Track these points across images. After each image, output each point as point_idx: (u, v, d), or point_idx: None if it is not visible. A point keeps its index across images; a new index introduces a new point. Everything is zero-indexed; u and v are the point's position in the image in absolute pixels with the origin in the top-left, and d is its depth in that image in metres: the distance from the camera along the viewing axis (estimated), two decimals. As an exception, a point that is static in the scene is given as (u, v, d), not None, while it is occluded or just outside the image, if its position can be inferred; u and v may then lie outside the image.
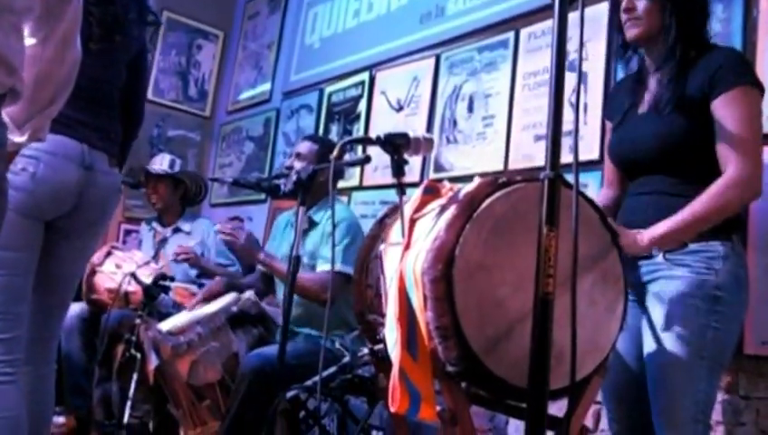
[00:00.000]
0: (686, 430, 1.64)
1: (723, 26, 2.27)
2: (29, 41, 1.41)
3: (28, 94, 1.35)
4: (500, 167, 2.93)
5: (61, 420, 3.20)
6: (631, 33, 1.83)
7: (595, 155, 2.53)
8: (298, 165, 2.76)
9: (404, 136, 1.75)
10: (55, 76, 1.49)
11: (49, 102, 1.51)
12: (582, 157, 2.53)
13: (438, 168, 3.26)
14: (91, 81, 1.69)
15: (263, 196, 4.34)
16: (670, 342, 1.67)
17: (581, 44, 1.56)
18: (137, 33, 2.16)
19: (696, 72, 1.74)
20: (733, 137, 1.67)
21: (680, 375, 1.66)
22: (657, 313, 1.72)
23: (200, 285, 3.33)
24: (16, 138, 1.47)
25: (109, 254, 3.31)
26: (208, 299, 2.91)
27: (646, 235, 1.70)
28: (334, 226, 2.01)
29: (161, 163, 3.80)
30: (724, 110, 1.69)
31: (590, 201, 1.58)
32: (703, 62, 1.74)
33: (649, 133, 1.80)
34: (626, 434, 1.87)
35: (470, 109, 3.18)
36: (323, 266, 2.69)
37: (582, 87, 2.68)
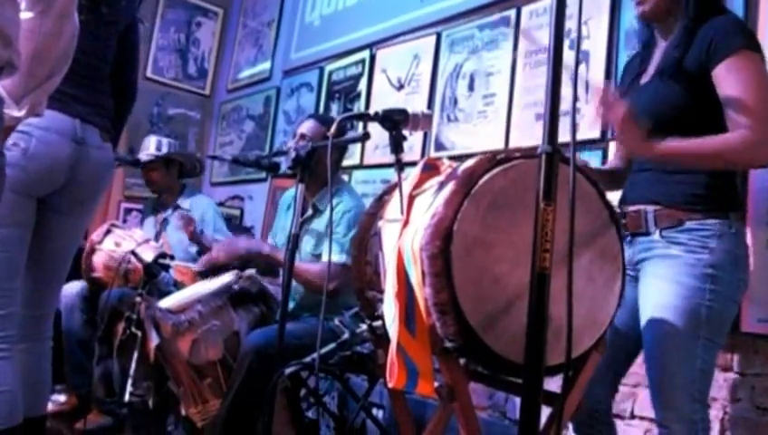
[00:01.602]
0: (684, 409, 1.63)
1: None
2: (26, 14, 1.40)
3: (26, 68, 1.34)
4: (501, 145, 2.92)
5: (62, 397, 3.22)
6: (640, 9, 1.82)
7: (596, 134, 2.52)
8: (294, 149, 2.75)
9: (402, 112, 1.75)
10: (53, 50, 1.47)
11: (47, 77, 1.50)
12: (583, 135, 2.52)
13: (439, 146, 3.25)
14: (81, 54, 1.68)
15: (263, 174, 4.34)
16: (665, 321, 1.66)
17: (580, 22, 1.54)
18: (124, 3, 2.13)
19: (695, 44, 1.70)
20: (741, 103, 1.62)
21: (675, 354, 1.66)
22: (653, 291, 1.71)
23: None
24: (14, 112, 1.46)
25: (108, 232, 3.31)
26: (212, 268, 2.89)
27: (663, 143, 1.64)
28: (332, 207, 2.00)
29: (148, 148, 3.75)
30: (726, 77, 1.64)
31: (589, 177, 1.57)
32: (701, 33, 1.70)
33: (646, 102, 1.76)
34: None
35: (471, 87, 3.16)
36: (326, 257, 2.68)
37: (584, 65, 2.66)
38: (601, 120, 1.64)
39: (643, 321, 1.72)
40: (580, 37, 1.83)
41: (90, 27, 1.90)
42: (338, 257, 2.60)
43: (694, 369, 1.64)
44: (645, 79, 1.86)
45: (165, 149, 3.75)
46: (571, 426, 1.87)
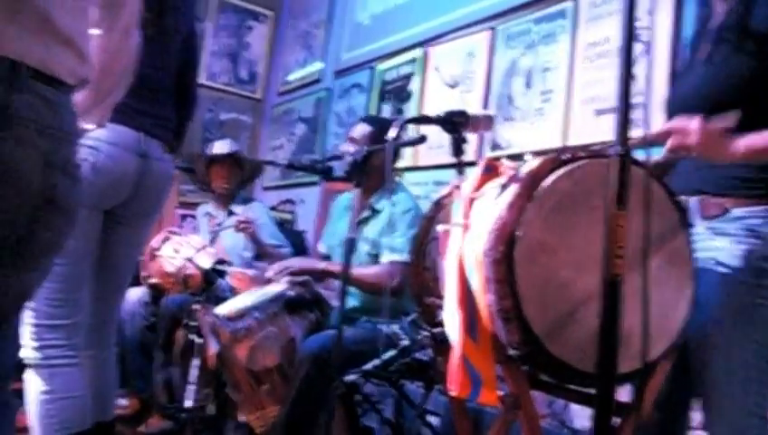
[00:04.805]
0: (739, 424, 1.46)
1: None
2: (93, 31, 1.42)
3: (93, 83, 1.36)
4: (559, 143, 2.83)
5: (124, 402, 3.27)
6: None
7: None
8: (352, 150, 2.73)
9: (463, 114, 1.71)
10: (118, 65, 1.50)
11: (111, 91, 1.52)
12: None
13: (495, 145, 3.18)
14: (145, 67, 1.71)
15: (315, 178, 4.32)
16: (712, 324, 1.49)
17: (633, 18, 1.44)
18: (184, 12, 2.16)
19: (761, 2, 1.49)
20: None
21: (723, 362, 1.48)
22: (698, 291, 1.48)
23: (256, 269, 3.33)
24: (83, 125, 1.48)
25: (167, 238, 3.34)
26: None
27: (741, 142, 1.40)
28: (392, 209, 1.97)
29: (222, 148, 3.82)
30: None
31: (658, 178, 1.49)
32: None
33: (702, 82, 1.56)
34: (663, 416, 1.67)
35: (527, 84, 3.09)
36: (388, 256, 2.66)
37: (646, 58, 2.55)
38: (678, 148, 1.48)
39: (691, 328, 1.53)
40: (632, 25, 1.71)
41: (153, 40, 1.93)
42: (399, 256, 2.58)
43: (749, 379, 1.46)
44: (702, 54, 1.63)
45: (235, 148, 3.81)
46: None
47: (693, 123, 1.43)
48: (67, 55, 1.14)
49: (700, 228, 1.55)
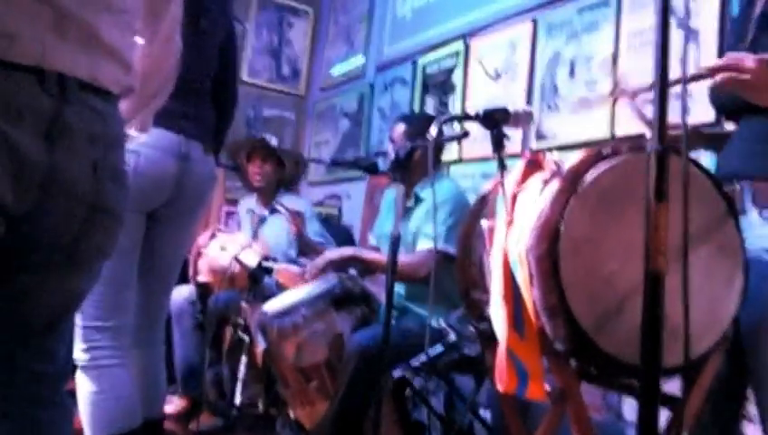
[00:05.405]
0: None
1: None
2: (137, 40, 1.44)
3: (137, 89, 1.40)
4: (606, 134, 2.79)
5: (174, 399, 3.31)
6: None
7: (710, 117, 2.35)
8: (392, 150, 2.73)
9: (503, 111, 1.70)
10: (160, 72, 1.53)
11: (155, 97, 1.56)
12: (695, 120, 2.35)
13: (540, 137, 3.14)
14: (184, 70, 1.71)
15: (360, 173, 4.32)
16: (765, 316, 1.43)
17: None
18: (219, 12, 2.16)
19: None
20: None
21: None
22: (750, 285, 1.42)
23: (300, 266, 3.34)
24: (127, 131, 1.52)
25: (213, 236, 3.38)
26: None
27: None
28: (436, 206, 1.97)
29: (271, 141, 3.82)
30: None
31: (702, 168, 1.46)
32: None
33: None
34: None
35: (571, 73, 3.04)
36: (423, 243, 2.64)
37: (694, 45, 2.50)
38: (730, 84, 1.39)
39: (742, 319, 1.47)
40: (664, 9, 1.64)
41: (190, 43, 1.93)
42: (433, 244, 2.52)
43: None
44: (746, 40, 1.55)
45: (274, 143, 3.80)
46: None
47: (749, 57, 1.37)
48: (113, 66, 1.18)
49: (753, 216, 1.49)
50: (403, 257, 2.64)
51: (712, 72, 1.40)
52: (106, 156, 1.17)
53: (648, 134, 1.69)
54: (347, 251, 2.82)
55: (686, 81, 1.09)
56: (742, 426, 1.67)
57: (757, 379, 1.49)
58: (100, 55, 1.15)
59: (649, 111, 1.08)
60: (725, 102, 1.64)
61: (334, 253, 2.82)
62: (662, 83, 1.05)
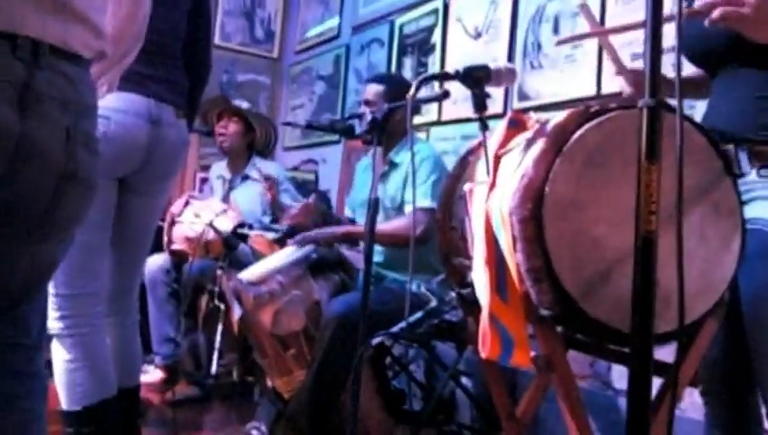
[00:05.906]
0: None
1: None
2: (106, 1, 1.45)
3: (108, 54, 1.39)
4: (592, 92, 2.71)
5: (150, 369, 3.27)
6: None
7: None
8: (369, 112, 2.65)
9: (484, 68, 1.63)
10: (128, 33, 1.52)
11: (124, 57, 1.55)
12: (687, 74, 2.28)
13: (523, 96, 3.06)
14: (153, 32, 1.71)
15: (336, 137, 4.25)
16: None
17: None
18: None
19: None
20: None
21: None
22: (752, 248, 1.35)
23: (275, 232, 3.28)
24: None
25: (187, 203, 3.31)
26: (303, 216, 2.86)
27: None
28: (414, 167, 1.90)
29: (240, 104, 3.79)
30: None
31: (697, 125, 1.38)
32: None
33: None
34: (720, 412, 1.57)
35: (556, 30, 2.95)
36: (410, 205, 2.59)
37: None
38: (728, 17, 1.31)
39: (743, 289, 1.41)
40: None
41: (161, 5, 1.92)
42: (421, 202, 2.51)
43: None
44: None
45: (246, 106, 3.78)
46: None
47: None
48: (83, 30, 1.17)
49: (753, 176, 1.43)
50: (395, 222, 2.60)
51: (709, 6, 1.32)
52: (78, 122, 1.16)
53: (625, 89, 1.63)
54: (339, 229, 2.77)
55: (680, 18, 1.00)
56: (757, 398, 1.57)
57: (757, 347, 1.43)
58: (71, 20, 1.14)
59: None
60: (696, 46, 1.56)
61: (326, 232, 2.77)
62: (654, 37, 0.98)
